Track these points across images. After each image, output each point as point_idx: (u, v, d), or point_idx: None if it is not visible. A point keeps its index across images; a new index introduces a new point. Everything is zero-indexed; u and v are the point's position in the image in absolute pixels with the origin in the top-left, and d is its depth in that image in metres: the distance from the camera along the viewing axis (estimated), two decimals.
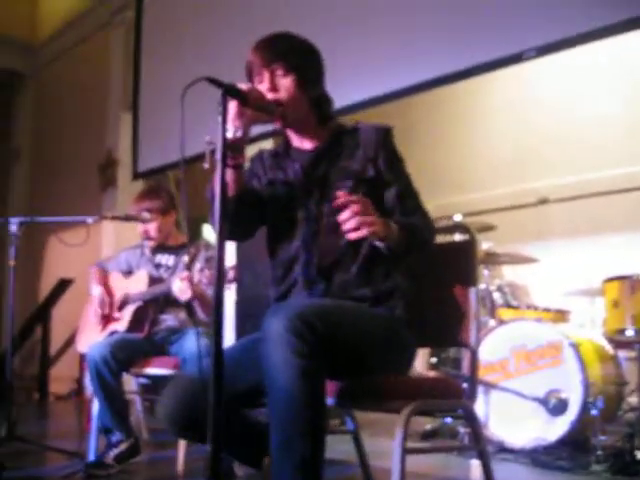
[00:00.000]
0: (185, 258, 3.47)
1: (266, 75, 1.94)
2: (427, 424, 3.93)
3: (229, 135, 1.74)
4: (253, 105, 1.80)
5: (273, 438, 1.57)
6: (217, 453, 1.48)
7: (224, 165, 1.62)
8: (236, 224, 1.93)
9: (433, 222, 1.96)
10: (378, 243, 1.80)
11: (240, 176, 1.90)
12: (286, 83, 1.94)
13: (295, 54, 1.98)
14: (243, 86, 1.77)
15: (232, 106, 1.77)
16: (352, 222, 1.70)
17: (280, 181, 2.03)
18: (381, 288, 1.92)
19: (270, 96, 1.91)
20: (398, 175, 1.96)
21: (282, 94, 1.93)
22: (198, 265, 3.23)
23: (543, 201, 5.14)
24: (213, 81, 1.63)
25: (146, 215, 3.52)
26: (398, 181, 1.94)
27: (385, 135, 2.00)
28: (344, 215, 1.70)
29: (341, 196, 1.72)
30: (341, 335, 1.70)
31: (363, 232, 1.70)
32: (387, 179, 1.89)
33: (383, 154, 1.95)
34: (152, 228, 3.52)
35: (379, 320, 1.87)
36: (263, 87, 1.93)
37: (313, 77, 2.02)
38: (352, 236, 1.71)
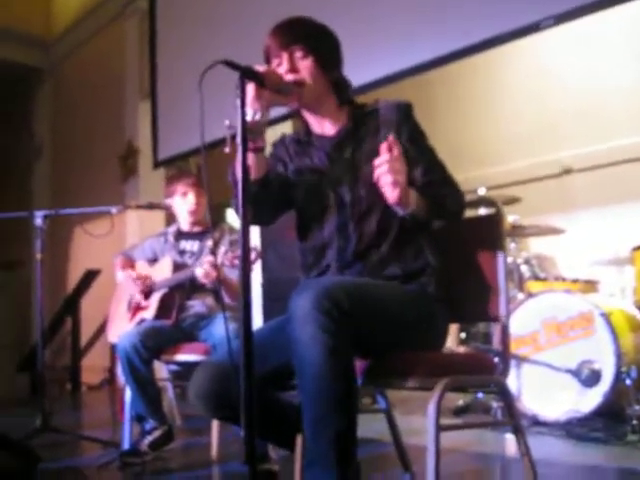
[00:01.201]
0: (210, 242, 3.47)
1: (285, 56, 1.93)
2: (459, 399, 3.92)
3: (248, 118, 1.73)
4: (271, 86, 1.79)
5: (305, 416, 1.58)
6: (251, 437, 1.49)
7: (245, 149, 1.60)
8: (259, 208, 1.93)
9: (461, 192, 1.93)
10: (399, 209, 1.78)
11: (261, 160, 1.89)
12: (306, 64, 1.93)
13: (313, 37, 1.98)
14: (260, 68, 1.76)
15: (250, 89, 1.76)
16: (387, 176, 1.69)
17: (307, 168, 2.03)
18: (412, 266, 1.92)
19: (290, 77, 1.90)
20: (422, 150, 1.94)
21: (302, 74, 1.92)
22: (222, 249, 3.22)
23: (567, 171, 5.09)
24: (230, 64, 1.62)
25: (168, 201, 3.55)
26: (422, 156, 1.92)
27: (405, 112, 1.98)
28: (382, 166, 1.69)
29: (387, 147, 1.71)
30: (369, 311, 1.70)
31: (396, 191, 1.69)
32: (411, 155, 1.86)
33: (405, 131, 1.93)
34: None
35: (409, 296, 1.87)
36: (282, 69, 1.92)
37: (332, 60, 2.02)
38: (382, 185, 1.70)
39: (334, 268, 1.93)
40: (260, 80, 1.75)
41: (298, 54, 1.93)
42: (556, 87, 5.50)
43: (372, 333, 1.74)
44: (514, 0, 3.52)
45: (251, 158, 1.84)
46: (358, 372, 1.71)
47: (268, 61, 1.98)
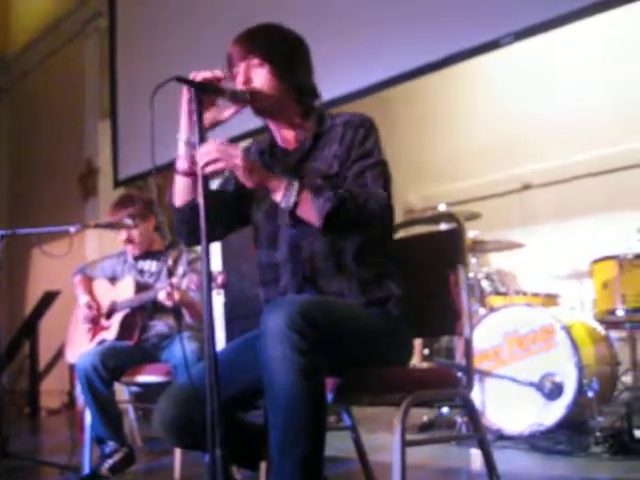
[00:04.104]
0: (168, 262, 3.43)
1: (242, 67, 1.88)
2: (424, 416, 3.92)
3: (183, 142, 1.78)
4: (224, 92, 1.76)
5: (273, 437, 1.53)
6: (217, 459, 1.47)
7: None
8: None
9: (385, 201, 1.77)
10: (278, 198, 1.70)
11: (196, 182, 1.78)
12: (261, 72, 1.87)
13: (273, 44, 1.91)
14: (210, 74, 1.73)
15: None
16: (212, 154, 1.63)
17: None
18: (375, 295, 1.86)
19: (244, 88, 1.84)
20: (361, 157, 1.84)
21: (256, 84, 1.86)
22: (181, 269, 3.19)
23: (526, 186, 5.15)
24: (182, 80, 1.66)
25: (128, 221, 3.46)
26: (360, 162, 1.83)
27: (362, 125, 1.89)
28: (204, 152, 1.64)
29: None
30: (342, 330, 1.68)
31: (218, 164, 1.63)
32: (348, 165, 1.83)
33: (349, 148, 1.86)
34: (135, 234, 3.47)
35: (376, 316, 1.84)
36: (239, 79, 1.87)
37: (294, 67, 1.93)
38: (207, 169, 1.63)
39: (291, 291, 1.88)
40: (217, 88, 1.73)
41: (254, 62, 1.87)
42: (514, 104, 5.57)
43: (342, 351, 1.71)
44: (474, 18, 3.57)
45: (181, 182, 1.85)
46: (328, 389, 1.67)
47: (230, 69, 1.92)
